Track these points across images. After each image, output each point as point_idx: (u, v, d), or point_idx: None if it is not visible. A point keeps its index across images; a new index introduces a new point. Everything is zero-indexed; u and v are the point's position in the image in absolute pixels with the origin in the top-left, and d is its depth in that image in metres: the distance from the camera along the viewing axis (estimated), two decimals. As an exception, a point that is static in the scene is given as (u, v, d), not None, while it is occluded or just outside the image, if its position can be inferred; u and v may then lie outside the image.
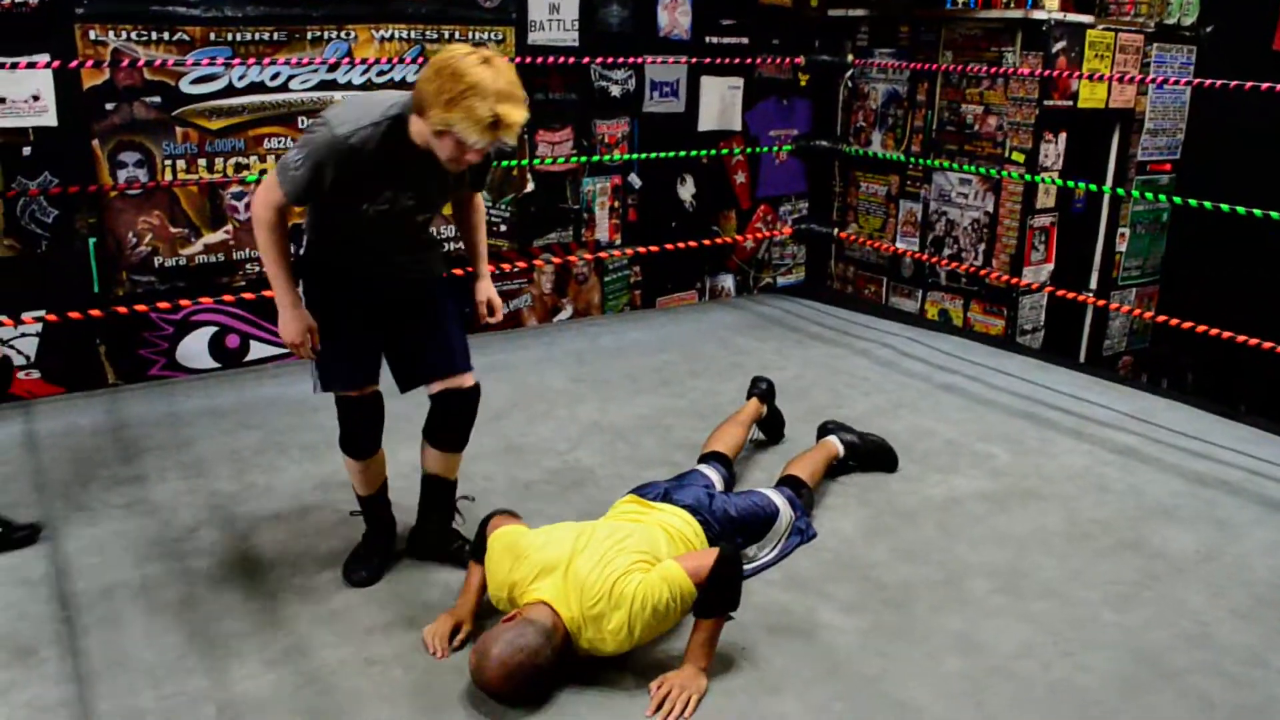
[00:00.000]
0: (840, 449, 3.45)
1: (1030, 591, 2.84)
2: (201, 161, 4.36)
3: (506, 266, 5.03)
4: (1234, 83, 4.17)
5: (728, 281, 6.03)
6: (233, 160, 4.42)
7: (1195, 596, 2.85)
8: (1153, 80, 5.22)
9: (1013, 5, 5.13)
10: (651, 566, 2.39)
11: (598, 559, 2.38)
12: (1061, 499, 3.40)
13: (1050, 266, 5.42)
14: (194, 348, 4.49)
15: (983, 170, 5.21)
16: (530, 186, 5.18)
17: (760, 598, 2.75)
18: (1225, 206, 4.12)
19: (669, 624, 2.40)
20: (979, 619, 2.70)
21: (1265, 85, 4.01)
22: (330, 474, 3.43)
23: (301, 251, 2.67)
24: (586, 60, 5.11)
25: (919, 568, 2.94)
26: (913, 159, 5.56)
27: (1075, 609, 2.76)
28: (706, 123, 5.64)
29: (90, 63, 4.02)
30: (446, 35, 4.79)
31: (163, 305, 4.19)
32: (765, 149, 5.90)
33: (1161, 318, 4.54)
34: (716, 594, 2.35)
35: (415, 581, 2.82)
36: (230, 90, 4.36)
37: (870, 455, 3.54)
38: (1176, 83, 5.43)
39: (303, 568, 2.86)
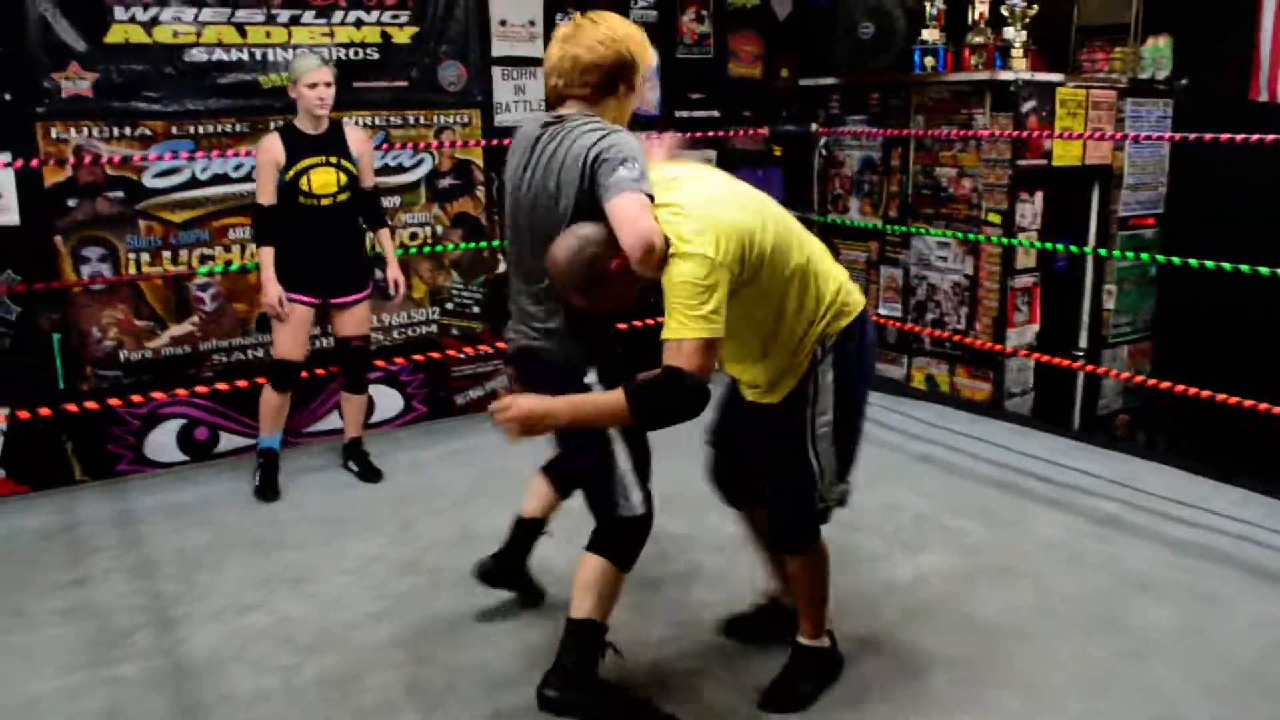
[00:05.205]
0: None
1: (994, 680, 2.68)
2: (166, 254, 4.37)
3: (485, 348, 4.97)
4: (1208, 136, 4.09)
5: (711, 353, 5.93)
6: (198, 251, 4.42)
7: (1173, 679, 2.68)
8: (1125, 136, 5.15)
9: (980, 67, 5.11)
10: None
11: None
12: (1034, 575, 3.25)
13: (1036, 327, 5.31)
14: (162, 441, 4.45)
15: (959, 235, 5.13)
16: (502, 268, 5.15)
17: (708, 695, 2.62)
18: (1210, 264, 4.00)
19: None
20: (936, 715, 2.54)
21: (1240, 137, 3.93)
22: (275, 571, 3.35)
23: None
24: (554, 139, 5.12)
25: (876, 659, 2.78)
26: (888, 226, 5.50)
27: (1040, 699, 2.60)
28: (681, 195, 5.61)
29: (53, 161, 4.05)
30: (411, 120, 4.81)
31: (136, 399, 4.14)
32: (743, 219, 5.85)
33: (1152, 381, 4.38)
34: (651, 389, 2.15)
35: (345, 687, 2.70)
36: (194, 182, 4.38)
37: None
38: (1151, 138, 5.36)
39: (230, 674, 2.75)
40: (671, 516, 2.83)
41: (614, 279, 2.19)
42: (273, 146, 3.88)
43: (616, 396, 2.18)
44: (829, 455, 2.41)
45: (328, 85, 3.90)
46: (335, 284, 4.05)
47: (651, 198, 2.20)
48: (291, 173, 3.88)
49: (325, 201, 3.93)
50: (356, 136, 4.09)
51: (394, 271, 4.24)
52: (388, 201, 4.80)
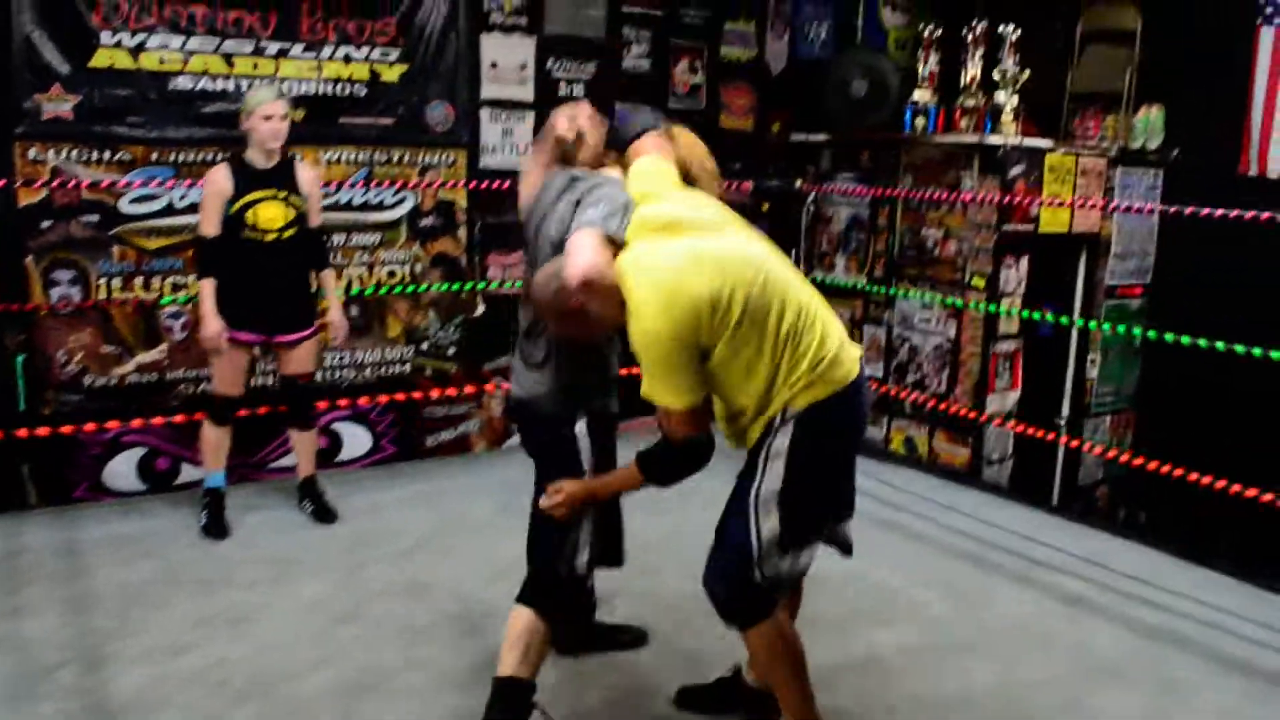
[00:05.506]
0: None
1: (943, 765, 2.59)
2: (138, 280, 4.32)
3: (454, 390, 4.91)
4: (1189, 210, 4.06)
5: (690, 403, 5.86)
6: (170, 279, 4.37)
7: (1128, 773, 2.58)
8: (1110, 204, 5.11)
9: (971, 130, 5.08)
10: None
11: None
12: (997, 656, 3.14)
13: (1016, 393, 5.24)
14: (121, 469, 4.37)
15: (941, 299, 5.07)
16: (481, 309, 5.10)
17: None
18: (1186, 340, 3.95)
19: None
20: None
21: (1219, 212, 3.92)
22: (217, 611, 3.26)
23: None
24: (539, 182, 5.08)
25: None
26: (871, 287, 5.44)
27: (990, 787, 2.50)
28: (666, 244, 5.57)
29: (21, 182, 4.02)
30: (395, 158, 4.78)
31: (89, 427, 4.08)
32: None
33: (1125, 456, 4.31)
34: (654, 457, 2.37)
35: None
36: (170, 210, 4.34)
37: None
38: (1140, 210, 5.33)
39: (155, 717, 2.65)
40: (626, 571, 2.76)
41: (575, 314, 2.26)
42: (219, 179, 3.80)
43: (634, 468, 2.41)
44: (771, 524, 2.29)
45: (283, 118, 3.83)
46: (280, 321, 3.96)
47: (612, 238, 2.26)
48: (238, 205, 3.79)
49: (270, 237, 3.85)
50: (308, 175, 4.02)
51: (335, 314, 4.14)
52: (368, 238, 4.77)
